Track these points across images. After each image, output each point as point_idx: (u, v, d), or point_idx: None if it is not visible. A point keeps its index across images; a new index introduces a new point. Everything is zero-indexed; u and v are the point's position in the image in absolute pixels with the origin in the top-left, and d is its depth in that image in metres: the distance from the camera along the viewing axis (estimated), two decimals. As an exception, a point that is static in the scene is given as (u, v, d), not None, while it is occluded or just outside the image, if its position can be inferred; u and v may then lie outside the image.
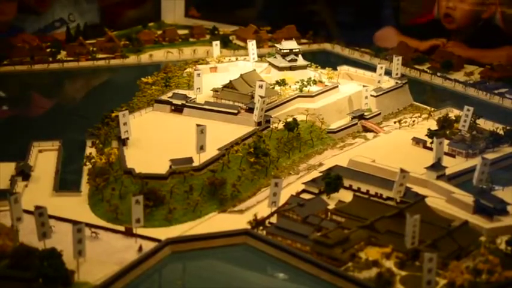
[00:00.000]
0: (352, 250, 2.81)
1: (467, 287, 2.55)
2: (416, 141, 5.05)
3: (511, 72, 6.78)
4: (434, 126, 5.19)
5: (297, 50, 5.58)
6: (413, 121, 5.76)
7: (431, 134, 4.81)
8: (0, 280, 2.31)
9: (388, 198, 3.98)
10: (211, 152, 4.01)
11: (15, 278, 2.37)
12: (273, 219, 4.10)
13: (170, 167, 3.72)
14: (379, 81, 6.09)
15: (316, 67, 6.65)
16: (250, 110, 4.47)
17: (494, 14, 6.49)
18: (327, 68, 6.44)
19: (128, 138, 4.17)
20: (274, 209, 3.57)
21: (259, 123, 4.44)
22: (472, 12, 6.35)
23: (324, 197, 3.74)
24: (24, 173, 3.79)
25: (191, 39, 6.89)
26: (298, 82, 5.53)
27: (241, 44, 6.86)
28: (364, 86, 5.63)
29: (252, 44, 6.19)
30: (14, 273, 2.35)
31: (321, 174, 4.13)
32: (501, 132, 5.34)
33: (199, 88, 4.74)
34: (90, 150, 4.37)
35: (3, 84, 4.86)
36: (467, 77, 7.48)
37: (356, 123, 4.84)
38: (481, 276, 2.81)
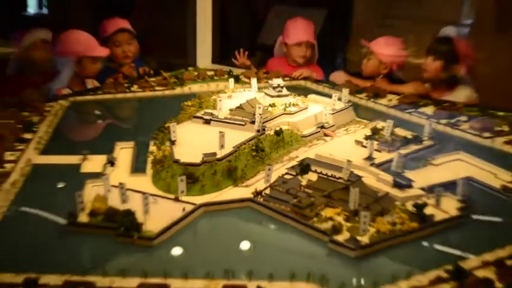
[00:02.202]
0: (316, 210, 2.80)
1: (388, 233, 2.56)
2: (357, 142, 5.04)
3: (416, 99, 6.76)
4: (368, 132, 5.18)
5: (282, 85, 5.58)
6: (355, 130, 5.78)
7: (366, 137, 4.80)
8: (98, 228, 2.34)
9: (340, 178, 3.99)
10: (228, 149, 4.00)
11: (107, 227, 2.41)
12: (267, 191, 4.16)
13: (202, 158, 3.71)
14: (334, 104, 6.09)
15: (294, 95, 6.67)
16: (253, 122, 4.47)
17: (391, 69, 6.38)
18: (301, 96, 6.45)
19: (175, 140, 4.17)
20: (267, 184, 3.57)
21: (258, 131, 4.41)
22: (374, 67, 6.27)
23: (299, 177, 3.74)
24: (111, 162, 3.77)
25: (215, 78, 6.85)
26: (283, 105, 5.54)
27: (247, 80, 6.84)
28: (324, 108, 5.64)
29: (253, 81, 6.17)
30: (106, 225, 2.38)
31: (297, 163, 4.12)
32: (410, 137, 5.35)
33: (220, 108, 4.70)
34: (152, 148, 4.36)
35: (100, 106, 4.78)
36: (388, 102, 7.53)
37: (319, 131, 4.82)
38: (396, 226, 2.82)
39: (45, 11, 7.24)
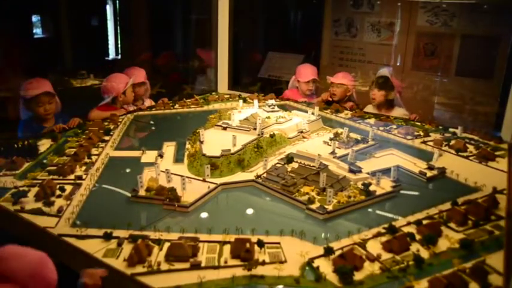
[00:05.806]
0: (298, 188, 2.74)
1: (345, 203, 2.50)
2: (324, 142, 4.96)
3: (363, 114, 6.50)
4: (332, 135, 5.05)
5: (275, 104, 5.46)
6: (323, 134, 5.69)
7: (330, 139, 4.71)
8: (151, 199, 2.29)
9: (313, 166, 3.92)
10: (238, 146, 3.94)
11: (158, 198, 2.35)
12: (264, 175, 4.08)
13: (221, 152, 3.65)
14: (308, 117, 6.00)
15: (282, 111, 6.60)
16: (255, 129, 4.39)
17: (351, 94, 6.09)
18: (287, 111, 6.34)
19: (203, 141, 4.10)
20: (264, 170, 3.50)
21: (258, 134, 4.33)
22: (342, 93, 5.99)
23: (286, 165, 3.67)
24: (160, 155, 3.69)
25: (230, 99, 6.74)
26: (275, 117, 5.45)
27: (251, 101, 6.71)
28: (302, 119, 5.53)
29: (255, 101, 6.08)
30: (157, 197, 2.32)
31: (284, 156, 4.04)
32: (359, 138, 5.22)
33: (233, 120, 4.62)
34: (188, 146, 4.27)
35: (154, 118, 4.67)
36: (345, 115, 7.33)
37: (299, 135, 4.73)
38: (350, 198, 2.76)
39: (119, 56, 7.33)
